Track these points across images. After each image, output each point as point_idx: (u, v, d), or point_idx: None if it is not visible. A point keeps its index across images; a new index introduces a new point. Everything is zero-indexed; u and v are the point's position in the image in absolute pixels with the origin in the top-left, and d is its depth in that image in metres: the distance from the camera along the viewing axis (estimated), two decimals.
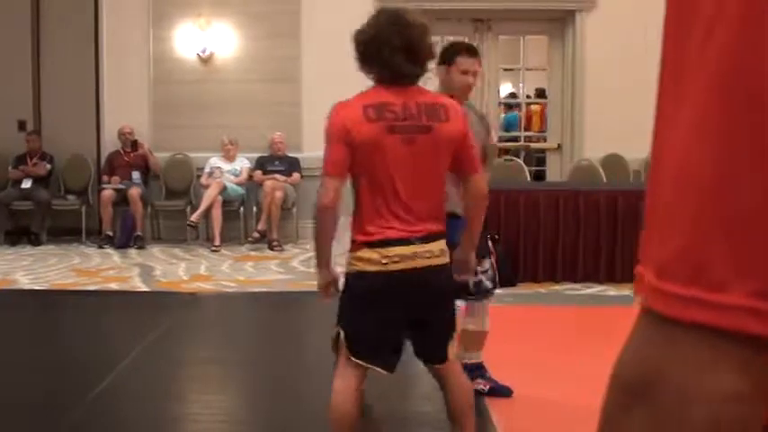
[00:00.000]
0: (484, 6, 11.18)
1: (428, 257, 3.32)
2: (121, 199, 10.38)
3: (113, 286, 8.17)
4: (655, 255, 0.77)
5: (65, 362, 5.71)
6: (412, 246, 3.29)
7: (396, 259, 3.27)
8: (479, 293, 4.59)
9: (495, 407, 4.89)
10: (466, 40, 11.48)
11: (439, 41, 11.86)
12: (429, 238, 3.33)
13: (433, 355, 3.51)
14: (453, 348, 3.53)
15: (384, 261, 3.26)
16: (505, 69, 12.26)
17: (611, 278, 8.39)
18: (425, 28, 3.40)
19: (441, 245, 3.37)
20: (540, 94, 12.74)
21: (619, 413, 0.78)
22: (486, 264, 4.58)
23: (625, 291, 8.08)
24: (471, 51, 4.58)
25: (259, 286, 8.19)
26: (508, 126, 12.58)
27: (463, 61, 4.46)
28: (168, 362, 5.85)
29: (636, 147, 10.98)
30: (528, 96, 12.73)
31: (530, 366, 5.59)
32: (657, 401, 0.73)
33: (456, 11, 11.22)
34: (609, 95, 10.99)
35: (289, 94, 10.93)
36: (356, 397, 3.41)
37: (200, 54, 10.95)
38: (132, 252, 9.94)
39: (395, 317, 3.35)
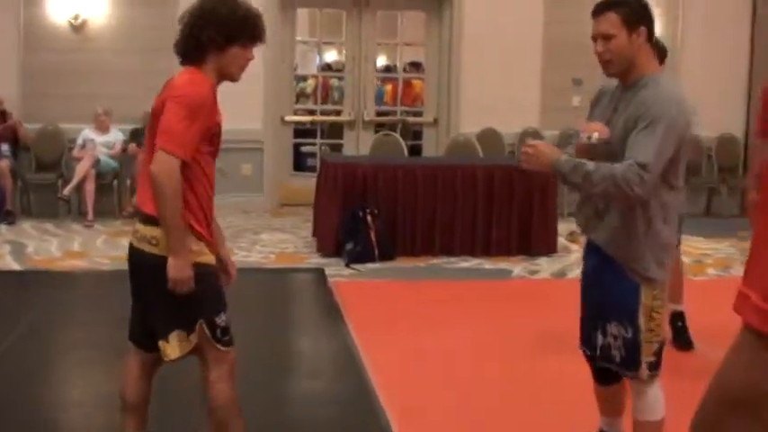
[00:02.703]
0: None
1: (138, 239, 3.36)
2: None
3: None
4: (763, 280, 0.81)
5: None
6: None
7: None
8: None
9: (375, 371, 5.00)
10: (344, 14, 11.53)
11: (318, 14, 11.89)
12: (140, 218, 3.37)
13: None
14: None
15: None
16: (381, 44, 12.26)
17: (486, 252, 8.56)
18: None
19: (151, 230, 3.29)
20: (417, 67, 12.81)
21: (723, 426, 0.81)
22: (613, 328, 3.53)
23: (500, 264, 8.26)
24: None
25: None
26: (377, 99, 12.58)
27: None
28: (45, 345, 5.71)
29: (511, 122, 11.26)
30: (404, 70, 12.77)
31: (406, 341, 5.70)
32: (763, 418, 0.75)
33: None
34: (485, 71, 11.15)
35: (164, 64, 10.65)
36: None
37: (72, 21, 10.63)
38: (2, 228, 9.62)
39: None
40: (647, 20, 3.47)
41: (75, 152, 10.37)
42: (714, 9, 11.59)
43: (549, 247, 8.75)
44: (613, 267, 3.46)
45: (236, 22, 3.40)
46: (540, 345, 5.76)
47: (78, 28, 10.68)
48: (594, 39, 3.54)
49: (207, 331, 3.33)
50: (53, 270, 7.82)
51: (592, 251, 3.60)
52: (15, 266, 7.94)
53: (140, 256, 3.33)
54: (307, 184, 10.47)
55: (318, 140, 12.01)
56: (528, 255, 8.57)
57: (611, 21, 3.46)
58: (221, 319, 3.37)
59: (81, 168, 10.05)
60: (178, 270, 3.21)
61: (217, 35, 3.38)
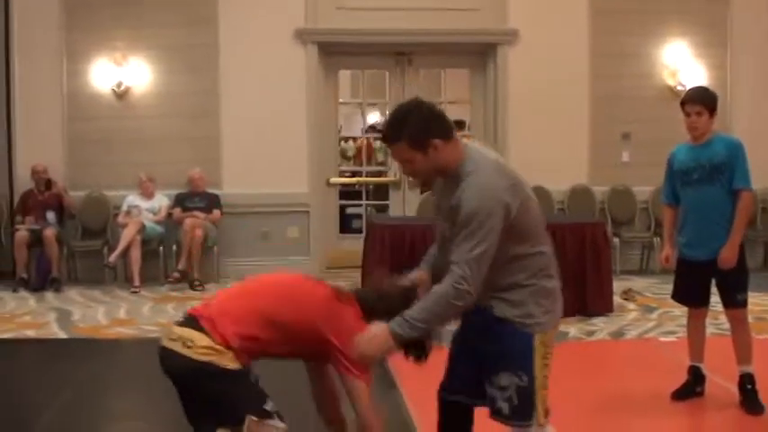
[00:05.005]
0: (405, 40, 11.11)
1: (170, 339, 3.39)
2: (36, 240, 10.01)
3: (29, 333, 7.83)
4: None
5: None
6: None
7: None
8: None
9: None
10: (387, 74, 11.47)
11: (360, 75, 11.91)
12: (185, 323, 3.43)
13: None
14: None
15: None
16: None
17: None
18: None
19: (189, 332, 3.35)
20: (460, 125, 12.68)
21: None
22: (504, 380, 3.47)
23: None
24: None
25: None
26: None
27: None
28: (90, 415, 5.56)
29: (560, 178, 11.08)
30: None
31: None
32: None
33: (377, 44, 11.15)
34: (531, 127, 11.02)
35: (207, 129, 10.72)
36: None
37: (116, 89, 10.66)
38: (48, 295, 9.58)
39: None
40: (434, 131, 3.37)
41: (121, 218, 10.34)
42: (763, 60, 11.40)
43: (605, 307, 8.49)
44: (502, 322, 3.42)
45: None
46: (602, 407, 5.51)
47: (121, 95, 10.71)
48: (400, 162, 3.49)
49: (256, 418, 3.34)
50: (99, 338, 7.70)
51: (476, 311, 3.44)
52: (61, 335, 7.85)
53: (173, 357, 3.29)
54: (353, 246, 10.34)
55: (364, 202, 11.90)
56: (584, 315, 8.31)
57: (403, 149, 3.39)
58: (269, 406, 3.40)
59: (126, 235, 10.00)
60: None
61: None
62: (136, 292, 9.68)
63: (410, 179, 3.47)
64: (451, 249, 3.28)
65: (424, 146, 3.33)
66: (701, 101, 5.46)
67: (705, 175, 5.44)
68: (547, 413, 3.51)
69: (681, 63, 11.26)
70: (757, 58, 11.40)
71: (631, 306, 8.56)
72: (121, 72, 10.67)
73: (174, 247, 10.32)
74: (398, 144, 3.36)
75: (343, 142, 12.84)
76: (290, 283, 3.60)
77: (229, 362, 3.27)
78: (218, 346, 3.25)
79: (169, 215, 10.47)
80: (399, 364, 6.51)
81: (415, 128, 3.33)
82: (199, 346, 3.25)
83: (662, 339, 7.40)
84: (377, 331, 3.28)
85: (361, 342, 3.29)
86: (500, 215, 3.27)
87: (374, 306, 3.51)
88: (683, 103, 5.54)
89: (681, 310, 6.66)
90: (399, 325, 3.24)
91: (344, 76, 12.17)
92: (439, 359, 3.59)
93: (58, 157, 10.59)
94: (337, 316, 3.45)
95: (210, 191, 10.59)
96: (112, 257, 9.96)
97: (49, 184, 10.29)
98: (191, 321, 3.33)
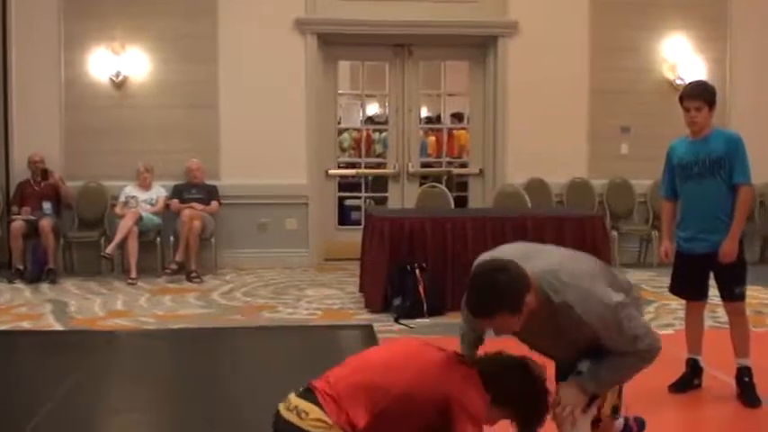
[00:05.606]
0: (405, 32, 11.07)
1: (288, 409, 3.37)
2: (32, 230, 9.95)
3: (25, 325, 7.80)
4: None
5: None
6: None
7: None
8: None
9: None
10: (387, 66, 11.44)
11: (360, 66, 11.90)
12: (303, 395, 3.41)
13: None
14: None
15: None
16: (424, 94, 12.13)
17: None
18: None
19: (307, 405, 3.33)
20: (458, 118, 12.65)
21: None
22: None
23: None
24: None
25: (179, 321, 7.91)
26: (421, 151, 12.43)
27: None
28: (87, 407, 5.53)
29: (558, 171, 11.07)
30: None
31: None
32: None
33: (377, 36, 11.11)
34: (530, 120, 10.99)
35: (205, 120, 10.68)
36: None
37: (114, 78, 10.63)
38: (44, 287, 9.53)
39: None
40: (524, 288, 3.35)
41: (118, 209, 10.31)
42: (762, 55, 11.38)
43: None
44: None
45: None
46: None
47: (119, 85, 10.67)
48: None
49: None
50: (96, 330, 7.67)
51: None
52: (57, 326, 7.80)
53: (289, 427, 3.28)
54: (352, 238, 10.31)
55: (363, 194, 11.88)
56: None
57: (505, 319, 3.34)
58: None
59: (124, 226, 9.96)
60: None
61: None
62: (133, 284, 9.64)
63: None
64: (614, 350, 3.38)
65: (520, 308, 3.25)
66: (701, 96, 5.43)
67: (705, 170, 5.42)
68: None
69: (680, 57, 11.24)
70: (756, 53, 11.38)
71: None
72: (119, 61, 10.62)
73: (172, 239, 10.28)
74: (498, 317, 3.25)
75: (344, 134, 12.81)
76: (409, 351, 3.55)
77: None
78: (328, 420, 3.24)
79: (167, 206, 10.43)
80: None
81: (516, 290, 3.25)
82: (311, 418, 3.25)
83: (660, 332, 7.37)
84: (571, 386, 3.43)
85: (566, 394, 3.42)
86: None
87: (491, 371, 3.47)
88: (681, 99, 5.51)
89: (678, 303, 6.65)
90: (594, 381, 3.43)
91: (344, 67, 12.13)
92: None
93: (55, 146, 10.55)
94: (459, 374, 3.41)
95: (208, 182, 10.56)
96: (109, 248, 9.92)
97: (45, 174, 10.24)
98: (309, 393, 3.32)
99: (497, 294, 3.20)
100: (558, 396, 3.39)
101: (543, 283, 3.30)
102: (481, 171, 11.59)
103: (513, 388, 3.40)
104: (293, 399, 3.33)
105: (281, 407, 3.34)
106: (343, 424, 3.23)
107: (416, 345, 3.59)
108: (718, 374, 5.78)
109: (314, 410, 3.25)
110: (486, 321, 3.30)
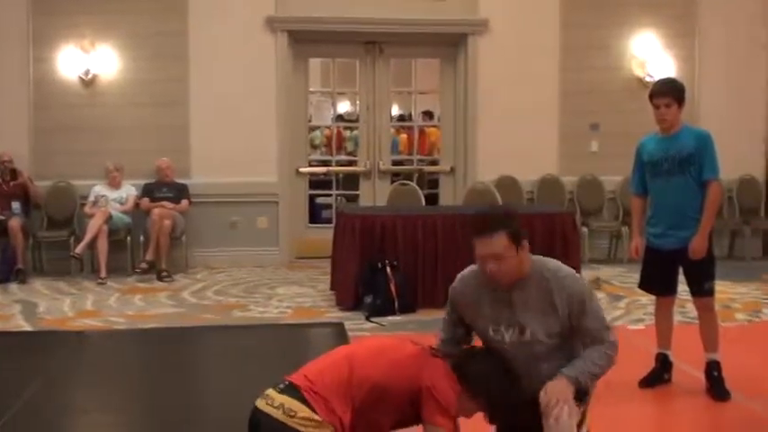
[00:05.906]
0: (376, 29, 11.07)
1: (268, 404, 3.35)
2: (1, 230, 9.87)
3: None
4: None
5: None
6: None
7: None
8: None
9: None
10: (357, 63, 11.43)
11: (331, 64, 11.87)
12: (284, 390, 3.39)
13: None
14: None
15: None
16: (395, 92, 12.13)
17: None
18: None
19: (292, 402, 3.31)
20: (429, 116, 12.66)
21: None
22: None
23: None
24: None
25: (149, 321, 7.87)
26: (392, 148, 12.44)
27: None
28: (56, 408, 5.48)
29: (529, 169, 11.10)
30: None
31: None
32: None
33: (348, 33, 11.10)
34: (501, 118, 11.02)
35: (176, 118, 10.63)
36: None
37: (83, 77, 10.55)
38: (13, 287, 9.45)
39: None
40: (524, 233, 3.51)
41: (87, 209, 10.23)
42: (731, 51, 11.46)
43: None
44: None
45: None
46: None
47: (89, 83, 10.59)
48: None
49: None
50: (65, 330, 7.61)
51: None
52: (26, 327, 7.74)
53: (274, 423, 3.27)
54: (323, 236, 10.30)
55: (334, 191, 11.86)
56: None
57: (501, 241, 3.43)
58: None
59: (93, 225, 9.89)
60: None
61: None
62: (102, 284, 9.57)
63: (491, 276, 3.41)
64: (583, 332, 3.51)
65: (520, 242, 3.41)
66: (670, 92, 5.46)
67: (674, 167, 5.45)
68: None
69: (649, 54, 11.30)
70: (725, 50, 11.45)
71: (599, 295, 8.57)
72: (89, 59, 10.54)
73: (142, 238, 10.22)
74: (497, 234, 3.38)
75: (312, 131, 12.79)
76: (383, 345, 3.59)
77: None
78: (318, 418, 3.24)
79: (137, 205, 10.37)
80: None
81: (518, 223, 3.44)
82: (300, 417, 3.24)
83: (630, 327, 7.42)
84: (557, 380, 3.43)
85: (553, 389, 3.40)
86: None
87: (463, 363, 3.51)
88: (651, 96, 5.54)
89: (648, 299, 6.69)
90: (582, 375, 3.47)
91: (315, 64, 12.10)
92: None
93: (23, 146, 10.45)
94: (431, 365, 3.45)
95: (179, 180, 10.51)
96: (79, 248, 9.85)
97: (14, 173, 10.16)
98: (292, 390, 3.31)
99: (501, 214, 3.50)
100: (546, 392, 3.41)
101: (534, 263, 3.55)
102: (452, 169, 11.60)
103: (481, 374, 3.43)
104: (275, 395, 3.30)
105: (260, 402, 3.31)
106: (334, 420, 3.24)
107: (390, 339, 3.65)
108: (688, 369, 5.82)
109: (302, 409, 3.24)
110: (486, 242, 3.40)
